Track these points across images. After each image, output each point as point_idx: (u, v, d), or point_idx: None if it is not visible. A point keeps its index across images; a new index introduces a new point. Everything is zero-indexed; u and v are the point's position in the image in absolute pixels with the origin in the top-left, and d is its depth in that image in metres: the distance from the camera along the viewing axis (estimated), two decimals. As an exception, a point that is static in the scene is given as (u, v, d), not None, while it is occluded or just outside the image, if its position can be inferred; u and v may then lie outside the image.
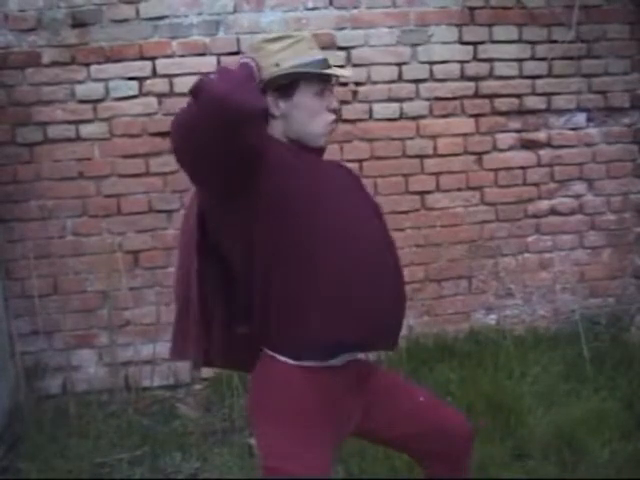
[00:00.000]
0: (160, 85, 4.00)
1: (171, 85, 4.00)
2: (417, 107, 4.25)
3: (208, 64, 3.99)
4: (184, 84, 3.97)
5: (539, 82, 4.36)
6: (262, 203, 1.79)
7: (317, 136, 1.97)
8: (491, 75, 4.30)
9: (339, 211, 1.89)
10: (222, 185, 1.77)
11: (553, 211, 4.48)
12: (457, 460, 2.17)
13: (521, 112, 4.37)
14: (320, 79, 1.93)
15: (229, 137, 1.64)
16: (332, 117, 1.98)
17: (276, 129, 1.92)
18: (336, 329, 1.84)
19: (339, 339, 1.85)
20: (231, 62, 3.92)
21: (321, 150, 2.03)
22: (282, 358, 1.90)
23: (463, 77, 4.27)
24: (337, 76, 2.00)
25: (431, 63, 4.23)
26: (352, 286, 1.84)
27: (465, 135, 4.32)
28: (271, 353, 1.92)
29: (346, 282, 1.84)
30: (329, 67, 1.96)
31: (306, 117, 1.92)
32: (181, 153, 1.75)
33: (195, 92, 1.65)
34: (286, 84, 1.88)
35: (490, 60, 4.29)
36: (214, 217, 1.86)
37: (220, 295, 1.97)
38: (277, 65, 1.87)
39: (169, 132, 1.76)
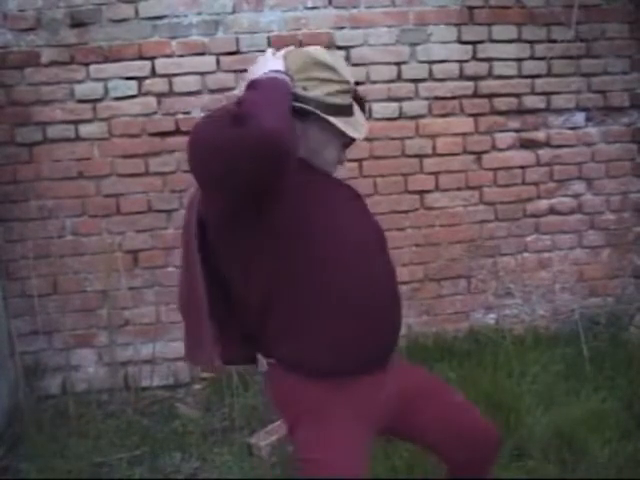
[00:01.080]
0: (159, 85, 4.00)
1: (170, 85, 4.00)
2: (416, 107, 4.25)
3: (207, 64, 4.00)
4: (183, 84, 3.99)
5: (538, 81, 4.35)
6: (272, 221, 1.77)
7: (327, 164, 1.96)
8: (490, 75, 4.30)
9: (347, 235, 1.88)
10: (237, 203, 1.74)
11: (552, 210, 4.47)
12: (481, 465, 2.17)
13: (520, 112, 4.36)
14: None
15: (265, 169, 1.63)
16: (339, 159, 1.98)
17: None
18: (329, 353, 1.84)
19: (334, 361, 1.85)
20: (230, 61, 3.94)
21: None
22: (281, 366, 1.91)
23: (462, 77, 4.27)
24: (344, 133, 1.91)
25: (430, 63, 4.22)
26: (352, 310, 1.84)
27: (464, 135, 4.32)
28: (271, 361, 1.94)
29: (346, 306, 1.83)
30: (350, 114, 1.92)
31: (315, 147, 1.91)
32: (203, 171, 1.70)
33: (241, 119, 1.58)
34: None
35: (489, 60, 4.28)
36: (216, 227, 1.85)
37: (221, 296, 1.96)
38: (304, 89, 1.84)
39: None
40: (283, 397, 1.97)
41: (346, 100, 1.92)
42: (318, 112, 1.84)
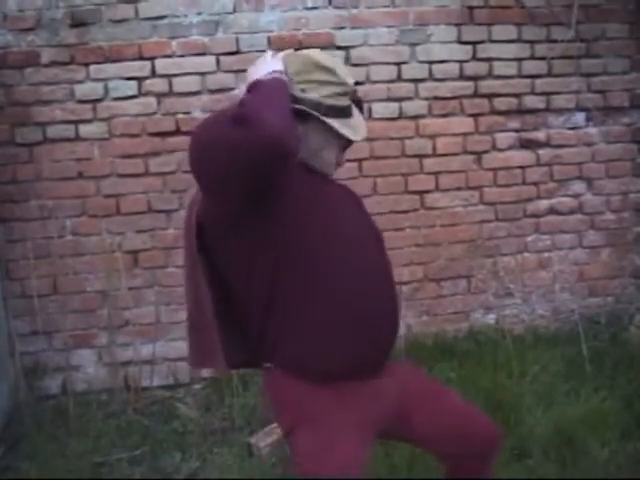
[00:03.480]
0: (159, 85, 4.00)
1: (170, 85, 4.00)
2: (416, 107, 4.25)
3: (207, 64, 4.00)
4: (183, 84, 3.99)
5: (538, 81, 4.36)
6: (271, 223, 1.77)
7: (326, 166, 1.96)
8: (490, 74, 4.30)
9: (346, 235, 1.89)
10: (238, 205, 1.74)
11: (552, 210, 4.47)
12: (481, 465, 2.18)
13: (520, 111, 4.36)
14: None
15: (267, 171, 1.63)
16: (338, 160, 1.98)
17: None
18: (331, 354, 1.84)
19: (332, 364, 1.85)
20: (231, 62, 3.94)
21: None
22: (282, 370, 1.91)
23: (462, 77, 4.27)
24: (342, 135, 1.91)
25: (430, 63, 4.22)
26: (353, 311, 1.84)
27: (464, 135, 4.32)
28: (270, 365, 1.93)
29: (347, 306, 1.83)
30: (349, 116, 1.93)
31: (314, 149, 1.91)
32: (205, 173, 1.69)
33: (243, 121, 1.57)
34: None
35: (489, 60, 4.29)
36: (215, 230, 1.84)
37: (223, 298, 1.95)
38: (303, 91, 1.85)
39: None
40: (281, 400, 1.96)
41: (344, 102, 1.92)
42: (316, 114, 1.85)
